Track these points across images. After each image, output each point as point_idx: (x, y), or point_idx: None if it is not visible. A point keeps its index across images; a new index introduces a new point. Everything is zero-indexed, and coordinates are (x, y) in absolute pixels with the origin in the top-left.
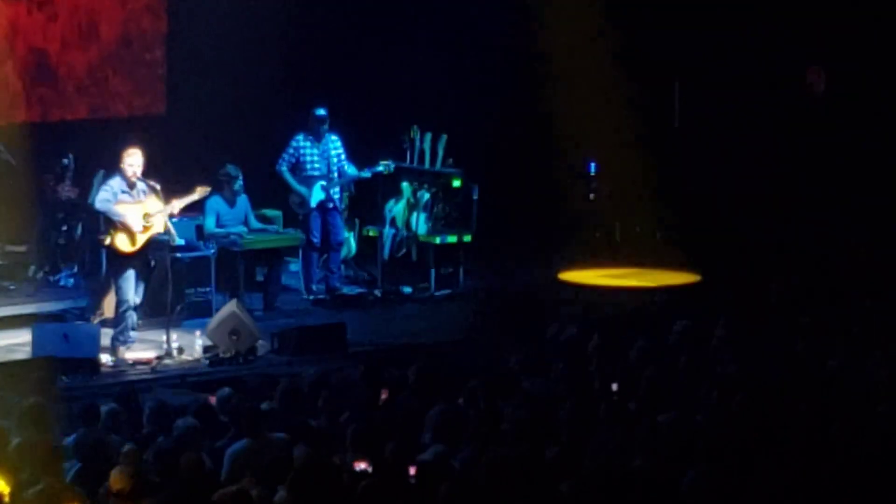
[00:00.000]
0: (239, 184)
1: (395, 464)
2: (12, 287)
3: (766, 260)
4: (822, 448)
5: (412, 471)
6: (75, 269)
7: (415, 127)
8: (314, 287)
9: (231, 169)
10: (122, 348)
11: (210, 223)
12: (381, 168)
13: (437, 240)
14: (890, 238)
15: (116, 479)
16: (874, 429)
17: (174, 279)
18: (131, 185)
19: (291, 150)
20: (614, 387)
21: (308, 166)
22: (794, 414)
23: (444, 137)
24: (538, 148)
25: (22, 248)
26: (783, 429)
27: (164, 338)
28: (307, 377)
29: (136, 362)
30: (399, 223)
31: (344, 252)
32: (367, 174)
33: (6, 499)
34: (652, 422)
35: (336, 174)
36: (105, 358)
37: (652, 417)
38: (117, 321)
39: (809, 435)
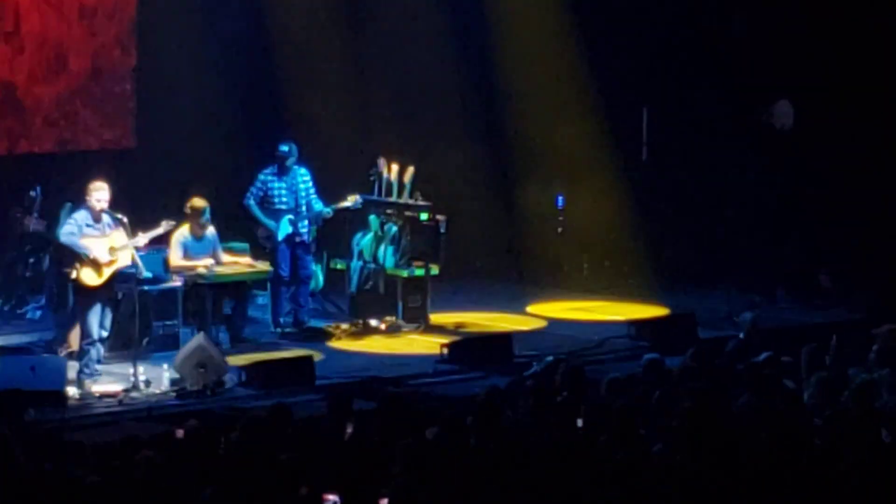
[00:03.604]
0: (206, 217)
1: (363, 497)
2: None
3: (734, 292)
4: (791, 482)
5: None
6: (42, 302)
7: (382, 160)
8: (282, 320)
9: (198, 202)
10: (88, 381)
11: (177, 256)
12: (348, 204)
13: (405, 273)
14: (860, 268)
15: None
16: (845, 461)
17: (141, 312)
18: (97, 219)
19: (259, 184)
20: (579, 422)
21: (276, 200)
22: (763, 447)
23: (412, 170)
24: (506, 181)
25: None
26: (752, 462)
27: (132, 371)
28: (271, 408)
29: (103, 395)
30: (367, 256)
31: (312, 285)
32: (329, 211)
33: None
34: (621, 455)
35: (304, 208)
36: (72, 391)
37: (621, 451)
38: (80, 354)
39: (778, 468)
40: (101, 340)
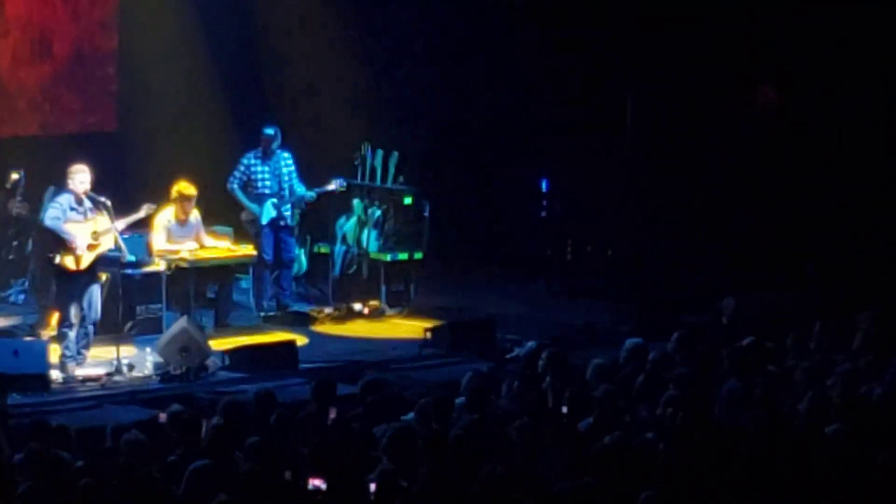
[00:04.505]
0: (193, 203)
1: (349, 481)
2: None
3: (721, 277)
4: (773, 469)
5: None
6: (25, 285)
7: (366, 144)
8: (265, 304)
9: (189, 189)
10: (71, 365)
11: (161, 239)
12: (332, 187)
13: (388, 257)
14: (845, 253)
15: None
16: (824, 448)
17: (125, 295)
18: (80, 202)
19: (242, 168)
20: (564, 409)
21: (259, 184)
22: (748, 432)
23: (396, 154)
24: (490, 165)
25: None
26: (738, 448)
27: (115, 354)
28: (255, 393)
29: (86, 379)
30: (350, 240)
31: (295, 269)
32: (312, 195)
33: None
34: (603, 440)
35: (287, 192)
36: (55, 374)
37: (603, 435)
38: (59, 337)
39: (763, 454)
40: (93, 323)
